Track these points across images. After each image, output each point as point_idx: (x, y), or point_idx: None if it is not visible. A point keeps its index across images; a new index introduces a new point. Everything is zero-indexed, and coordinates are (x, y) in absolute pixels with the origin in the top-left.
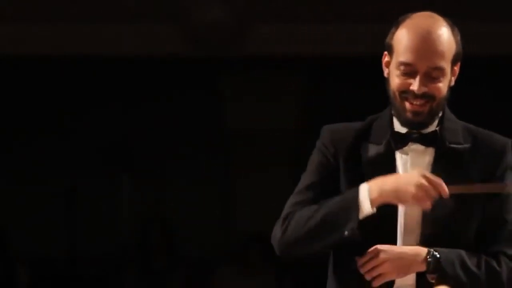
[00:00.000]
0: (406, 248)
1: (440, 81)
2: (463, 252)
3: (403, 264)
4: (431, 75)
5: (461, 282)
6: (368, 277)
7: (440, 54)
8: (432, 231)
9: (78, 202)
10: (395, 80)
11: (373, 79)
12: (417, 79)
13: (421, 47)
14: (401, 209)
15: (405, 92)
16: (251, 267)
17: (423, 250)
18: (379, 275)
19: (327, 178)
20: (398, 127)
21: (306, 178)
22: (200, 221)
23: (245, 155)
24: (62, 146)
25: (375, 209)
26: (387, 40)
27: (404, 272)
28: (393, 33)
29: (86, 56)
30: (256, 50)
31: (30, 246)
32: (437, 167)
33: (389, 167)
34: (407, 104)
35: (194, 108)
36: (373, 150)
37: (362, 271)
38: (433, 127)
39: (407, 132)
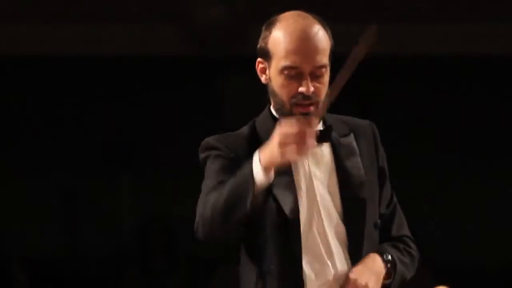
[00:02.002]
0: (366, 262)
1: (324, 79)
2: (386, 245)
3: (378, 278)
4: (316, 74)
5: (403, 276)
6: None
7: (321, 52)
8: (355, 217)
9: (78, 202)
10: (280, 86)
11: (373, 79)
12: (305, 80)
13: (303, 48)
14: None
15: (294, 97)
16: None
17: (376, 256)
18: None
19: (234, 174)
20: None
21: (214, 180)
22: None
23: None
24: (62, 146)
25: (272, 176)
26: (261, 45)
27: (378, 284)
28: (267, 37)
29: (86, 56)
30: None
31: (30, 246)
32: (339, 161)
33: (287, 171)
34: (297, 108)
35: (194, 108)
36: None
37: None
38: (319, 123)
39: None
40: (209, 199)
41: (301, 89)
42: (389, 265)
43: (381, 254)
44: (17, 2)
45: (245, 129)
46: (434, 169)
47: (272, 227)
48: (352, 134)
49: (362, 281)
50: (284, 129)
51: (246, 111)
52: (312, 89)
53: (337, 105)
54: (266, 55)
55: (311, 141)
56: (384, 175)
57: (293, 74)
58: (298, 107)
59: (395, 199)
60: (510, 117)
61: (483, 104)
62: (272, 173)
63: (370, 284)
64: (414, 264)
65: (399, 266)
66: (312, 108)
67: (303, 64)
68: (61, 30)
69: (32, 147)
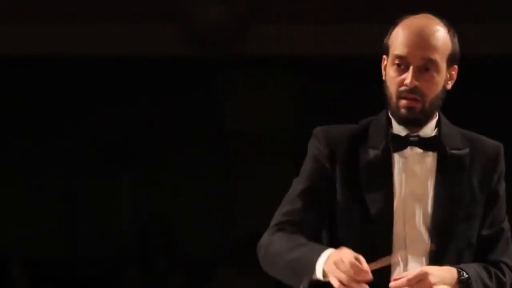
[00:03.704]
0: (443, 269)
1: (432, 77)
2: (476, 266)
3: (447, 282)
4: (424, 67)
5: None
6: None
7: (433, 47)
8: (440, 239)
9: (78, 202)
10: (390, 78)
11: (373, 79)
12: (410, 71)
13: (414, 39)
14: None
15: (400, 90)
16: (251, 267)
17: (454, 270)
18: None
19: (320, 184)
20: (397, 129)
21: (299, 183)
22: (200, 221)
23: (245, 155)
24: (62, 146)
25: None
26: (384, 42)
27: None
28: (390, 34)
29: (86, 56)
30: (256, 50)
31: (30, 246)
32: (441, 172)
33: (386, 171)
34: (402, 101)
35: (194, 108)
36: (370, 153)
37: None
38: (430, 130)
39: (406, 135)
40: (276, 250)
41: (405, 81)
42: (462, 278)
43: (460, 270)
44: (17, 2)
45: (359, 124)
46: None
47: (358, 228)
48: (468, 149)
49: (432, 279)
50: (339, 255)
51: (246, 111)
52: (415, 82)
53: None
54: (387, 50)
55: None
56: (496, 198)
57: (402, 63)
58: (403, 99)
59: (506, 225)
60: (510, 117)
61: (483, 104)
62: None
63: (436, 280)
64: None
65: (474, 285)
66: (416, 103)
67: (410, 54)
68: (61, 30)
69: (32, 147)
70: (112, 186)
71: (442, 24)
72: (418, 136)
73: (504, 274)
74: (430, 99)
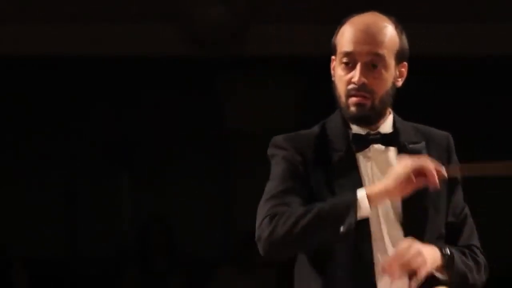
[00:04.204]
0: (426, 246)
1: (381, 73)
2: (454, 249)
3: (432, 257)
4: (371, 64)
5: (465, 276)
6: (401, 271)
7: (380, 43)
8: (415, 223)
9: (78, 202)
10: (338, 77)
11: None
12: (357, 68)
13: (360, 35)
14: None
15: (348, 88)
16: (251, 267)
17: (435, 247)
18: (413, 271)
19: (300, 184)
20: (356, 129)
21: (278, 185)
22: (200, 221)
23: (245, 155)
24: (61, 146)
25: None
26: (332, 41)
27: (432, 265)
28: (337, 33)
29: (86, 56)
30: (256, 50)
31: (29, 246)
32: None
33: (353, 172)
34: (351, 99)
35: (194, 108)
36: (335, 157)
37: (392, 265)
38: (389, 127)
39: (367, 134)
40: (283, 217)
41: (353, 78)
42: (446, 258)
43: (440, 248)
44: (17, 2)
45: (315, 129)
46: None
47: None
48: (424, 143)
49: (417, 247)
50: (415, 162)
51: (246, 111)
52: (363, 79)
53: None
54: (334, 50)
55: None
56: (454, 184)
57: (349, 61)
58: (352, 97)
59: (467, 210)
60: (510, 117)
61: (483, 104)
62: (376, 205)
63: (422, 257)
64: (480, 270)
65: (459, 264)
66: (365, 100)
67: (357, 50)
68: (61, 30)
69: (32, 147)
70: (112, 186)
71: (389, 21)
72: (379, 133)
73: (477, 255)
74: (380, 96)
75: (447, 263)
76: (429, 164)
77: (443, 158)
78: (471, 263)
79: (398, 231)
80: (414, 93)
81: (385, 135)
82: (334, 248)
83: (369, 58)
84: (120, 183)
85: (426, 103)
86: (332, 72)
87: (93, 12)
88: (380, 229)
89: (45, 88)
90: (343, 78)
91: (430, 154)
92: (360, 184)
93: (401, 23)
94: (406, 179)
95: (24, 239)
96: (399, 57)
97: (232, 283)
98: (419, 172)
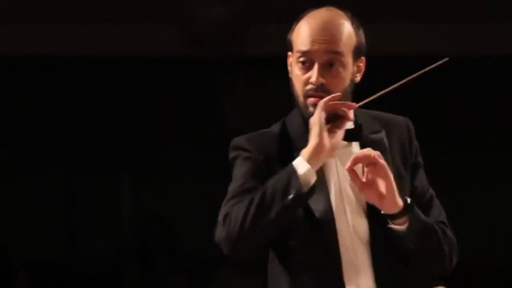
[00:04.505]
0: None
1: (338, 72)
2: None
3: (392, 186)
4: (329, 63)
5: (426, 226)
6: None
7: (336, 39)
8: (380, 224)
9: (78, 202)
10: (295, 76)
11: (371, 78)
12: (314, 68)
13: (317, 34)
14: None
15: (306, 89)
16: (251, 267)
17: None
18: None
19: (263, 183)
20: None
21: (240, 185)
22: (200, 221)
23: None
24: (61, 146)
25: (314, 176)
26: (288, 37)
27: (393, 187)
28: (293, 30)
29: (86, 56)
30: (256, 50)
31: (30, 246)
32: None
33: (318, 172)
34: (309, 99)
35: (194, 108)
36: (297, 155)
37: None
38: (350, 122)
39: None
40: (234, 211)
41: (311, 79)
42: (408, 201)
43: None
44: (17, 2)
45: (275, 127)
46: (434, 168)
47: (304, 230)
48: (383, 131)
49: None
50: (315, 116)
51: (246, 111)
52: (321, 79)
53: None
54: (290, 47)
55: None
56: (416, 168)
57: (306, 60)
58: (310, 97)
59: (431, 192)
60: (510, 117)
61: (483, 104)
62: (317, 167)
63: (385, 179)
64: (447, 239)
65: (419, 213)
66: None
67: (314, 49)
68: (61, 30)
69: (32, 147)
70: (112, 186)
71: (345, 17)
72: None
73: (446, 228)
74: (338, 91)
75: (407, 206)
76: (330, 102)
77: (405, 143)
78: (436, 227)
79: (364, 223)
80: (414, 93)
81: (348, 130)
82: (300, 243)
83: (326, 58)
84: (120, 183)
85: (426, 103)
86: (289, 68)
87: (93, 12)
88: (348, 224)
89: (45, 88)
90: (300, 77)
91: (391, 140)
92: (324, 182)
93: (401, 23)
94: (321, 128)
95: (24, 239)
96: (357, 53)
97: (232, 283)
98: (332, 115)
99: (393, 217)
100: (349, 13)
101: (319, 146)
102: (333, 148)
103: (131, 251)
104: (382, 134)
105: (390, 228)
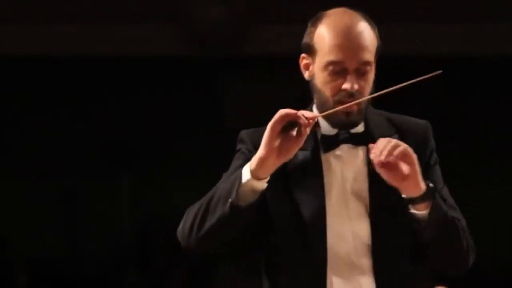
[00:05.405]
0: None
1: (368, 77)
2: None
3: (416, 170)
4: (360, 71)
5: (446, 216)
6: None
7: (366, 48)
8: (382, 231)
9: (78, 202)
10: (324, 83)
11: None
12: (349, 77)
13: (348, 43)
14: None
15: (337, 94)
16: (251, 267)
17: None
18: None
19: None
20: (326, 129)
21: (223, 179)
22: None
23: None
24: (62, 146)
25: (264, 184)
26: (306, 40)
27: (417, 171)
28: (312, 33)
29: (86, 56)
30: (256, 50)
31: (30, 246)
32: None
33: (316, 172)
34: (341, 106)
35: (194, 108)
36: (299, 155)
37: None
38: (360, 125)
39: (336, 134)
40: (190, 211)
41: (345, 85)
42: (431, 185)
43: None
44: (17, 2)
45: None
46: None
47: (291, 231)
48: (396, 135)
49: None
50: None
51: (246, 110)
52: (356, 86)
53: None
54: (311, 51)
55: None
56: (430, 165)
57: (337, 70)
58: (342, 104)
59: (446, 190)
60: (510, 117)
61: (483, 104)
62: (265, 175)
63: (410, 163)
64: (465, 235)
65: (441, 202)
66: (355, 107)
67: (347, 59)
68: (61, 30)
69: (32, 147)
70: (112, 186)
71: (364, 19)
72: (348, 132)
73: (464, 226)
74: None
75: (428, 191)
76: (288, 111)
77: (419, 146)
78: (456, 221)
79: (366, 226)
80: (413, 93)
81: (355, 134)
82: (284, 244)
83: (358, 66)
84: (120, 183)
85: (426, 103)
86: (304, 70)
87: (93, 12)
88: (349, 225)
89: (45, 88)
90: (330, 84)
91: (404, 142)
92: (321, 185)
93: (401, 23)
94: (270, 136)
95: (24, 239)
96: (377, 54)
97: (232, 283)
98: (290, 125)
99: (414, 201)
100: (364, 14)
101: (265, 154)
102: (287, 156)
103: (131, 251)
104: (394, 138)
105: (411, 214)
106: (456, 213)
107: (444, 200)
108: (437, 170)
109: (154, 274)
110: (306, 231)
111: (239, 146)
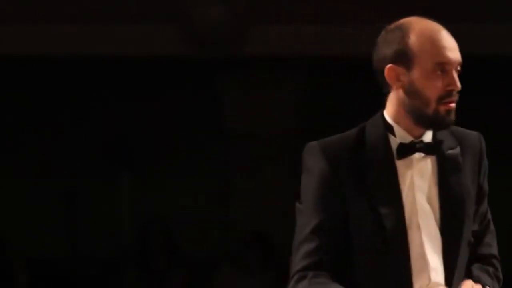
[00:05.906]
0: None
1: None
2: (480, 272)
3: None
4: (457, 71)
5: None
6: None
7: (458, 48)
8: (453, 242)
9: (78, 202)
10: (429, 85)
11: (373, 80)
12: (454, 76)
13: (452, 45)
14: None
15: (442, 95)
16: (251, 267)
17: (479, 285)
18: None
19: (331, 206)
20: (402, 137)
21: (309, 220)
22: (200, 221)
23: (245, 155)
24: (62, 146)
25: None
26: (397, 49)
27: None
28: (405, 40)
29: (86, 56)
30: (256, 50)
31: (30, 246)
32: (443, 174)
33: (393, 182)
34: (445, 106)
35: (194, 108)
36: (374, 164)
37: None
38: (430, 134)
39: (411, 142)
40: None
41: (452, 86)
42: None
43: (482, 285)
44: (17, 2)
45: (353, 133)
46: None
47: (374, 245)
48: (459, 147)
49: None
50: None
51: (246, 111)
52: (459, 85)
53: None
54: (406, 58)
55: None
56: (483, 192)
57: (444, 70)
58: (445, 104)
59: (489, 216)
60: (510, 117)
61: (483, 104)
62: None
63: None
64: (500, 281)
65: None
66: (454, 105)
67: (453, 60)
68: (61, 30)
69: (32, 147)
70: (112, 186)
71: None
72: (422, 141)
73: (498, 270)
74: None
75: None
76: None
77: (476, 159)
78: (497, 286)
79: (437, 237)
80: None
81: (428, 143)
82: (369, 258)
83: (458, 65)
84: (120, 183)
85: None
86: (391, 80)
87: (93, 12)
88: (421, 237)
89: (45, 88)
90: (437, 84)
91: (464, 157)
92: (399, 194)
93: None
94: None
95: (24, 239)
96: None
97: (232, 283)
98: None
99: None
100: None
101: None
102: None
103: (131, 251)
104: (457, 150)
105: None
106: (493, 248)
107: (486, 228)
108: (486, 194)
109: (154, 274)
110: (388, 245)
111: (307, 161)
